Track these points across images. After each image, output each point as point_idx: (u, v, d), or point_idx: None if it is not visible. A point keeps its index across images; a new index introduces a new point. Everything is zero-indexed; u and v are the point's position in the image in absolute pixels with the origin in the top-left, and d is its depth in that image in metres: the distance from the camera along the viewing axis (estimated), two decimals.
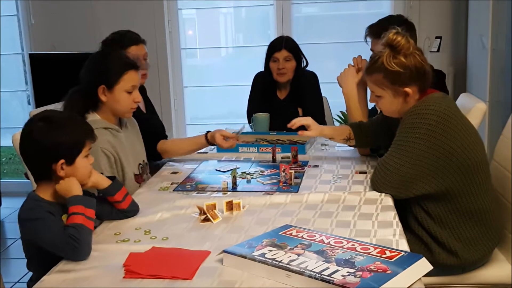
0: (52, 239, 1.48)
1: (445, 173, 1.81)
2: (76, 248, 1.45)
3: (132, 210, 1.78)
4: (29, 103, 4.60)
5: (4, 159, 5.54)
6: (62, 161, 1.57)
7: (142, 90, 2.73)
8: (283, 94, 3.08)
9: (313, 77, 3.09)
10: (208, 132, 2.36)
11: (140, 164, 2.21)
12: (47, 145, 1.56)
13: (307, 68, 3.10)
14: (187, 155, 2.49)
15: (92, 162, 1.67)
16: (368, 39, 2.57)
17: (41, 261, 1.55)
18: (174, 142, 2.57)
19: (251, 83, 3.22)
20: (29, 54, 4.26)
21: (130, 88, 2.05)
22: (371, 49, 2.48)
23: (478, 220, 1.87)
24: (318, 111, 3.05)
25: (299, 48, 3.03)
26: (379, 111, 2.43)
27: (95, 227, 1.62)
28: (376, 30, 2.43)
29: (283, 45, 2.96)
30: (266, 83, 3.07)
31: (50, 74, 4.07)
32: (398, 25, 2.33)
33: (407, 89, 1.87)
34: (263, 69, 3.13)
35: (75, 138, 1.60)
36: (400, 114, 1.95)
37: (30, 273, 1.75)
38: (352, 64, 2.41)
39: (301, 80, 3.02)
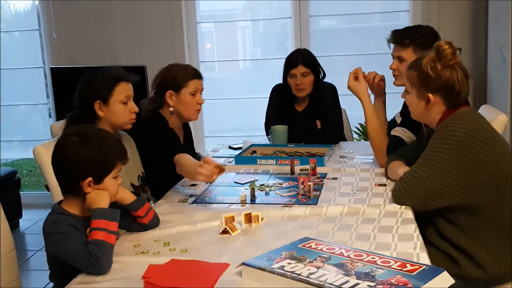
0: (73, 254, 1.49)
1: (475, 185, 1.80)
2: (96, 266, 1.46)
3: (153, 224, 1.79)
4: (50, 116, 4.67)
5: (25, 171, 5.62)
6: (89, 179, 1.58)
7: (185, 124, 2.69)
8: (301, 106, 3.08)
9: (331, 88, 3.08)
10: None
11: (139, 175, 2.25)
12: (76, 161, 1.57)
13: (325, 80, 3.09)
14: None
15: (121, 183, 1.68)
16: (391, 44, 2.56)
17: (63, 273, 1.56)
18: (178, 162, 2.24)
19: (268, 96, 3.22)
20: (50, 68, 4.34)
21: (125, 98, 2.09)
22: (392, 54, 2.47)
23: (510, 234, 1.85)
24: (336, 123, 3.04)
25: (316, 61, 3.01)
26: (398, 122, 2.43)
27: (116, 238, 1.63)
28: (399, 37, 2.42)
29: (299, 61, 2.94)
30: (285, 95, 3.07)
31: (70, 87, 4.12)
32: (424, 35, 2.33)
33: (430, 96, 1.90)
34: (280, 82, 3.14)
35: (105, 158, 1.60)
36: (422, 120, 2.00)
37: (50, 285, 1.76)
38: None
39: (320, 92, 3.02)
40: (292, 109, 3.08)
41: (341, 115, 3.13)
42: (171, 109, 2.45)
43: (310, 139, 2.89)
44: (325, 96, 3.02)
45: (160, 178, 2.36)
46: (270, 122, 3.07)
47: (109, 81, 2.08)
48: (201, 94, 2.51)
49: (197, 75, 2.49)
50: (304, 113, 3.06)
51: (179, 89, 2.44)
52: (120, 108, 2.09)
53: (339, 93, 3.12)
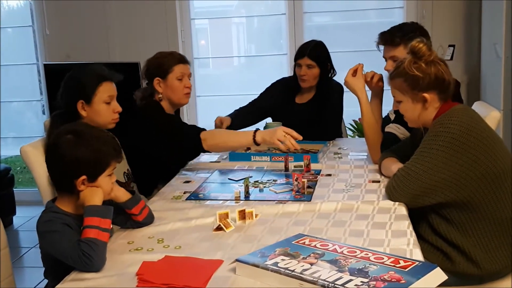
0: (66, 252, 1.49)
1: (469, 181, 1.81)
2: (88, 264, 1.46)
3: (147, 222, 1.78)
4: (43, 113, 4.65)
5: (18, 168, 5.59)
6: (83, 177, 1.57)
7: (176, 114, 2.72)
8: (302, 99, 3.09)
9: (338, 88, 3.08)
10: (257, 130, 2.25)
11: (124, 172, 2.25)
12: (70, 159, 1.56)
13: (336, 79, 3.10)
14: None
15: (115, 181, 1.67)
16: (381, 46, 2.57)
17: (58, 270, 1.56)
18: (217, 136, 2.39)
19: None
20: (44, 64, 4.31)
21: (108, 98, 2.09)
22: (384, 57, 2.48)
23: (503, 230, 1.86)
24: (334, 122, 3.05)
25: (327, 56, 3.03)
26: (392, 119, 2.44)
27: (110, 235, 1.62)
28: (388, 37, 2.44)
29: (306, 52, 2.97)
30: (289, 84, 3.12)
31: None
32: (412, 31, 2.35)
33: (425, 95, 1.90)
34: (276, 78, 3.17)
35: (99, 156, 1.59)
36: (420, 123, 1.98)
37: (44, 282, 1.76)
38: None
39: (327, 90, 3.03)
40: (291, 100, 3.10)
41: (340, 116, 3.14)
42: (160, 95, 2.50)
43: (304, 132, 2.92)
44: (330, 94, 3.03)
45: (155, 171, 2.37)
46: (255, 107, 3.15)
47: (92, 81, 2.08)
48: (189, 78, 2.55)
49: (182, 60, 2.53)
50: (304, 106, 3.07)
51: (166, 75, 2.48)
52: (103, 108, 2.08)
53: None
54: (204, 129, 2.39)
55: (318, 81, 3.01)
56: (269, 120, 3.16)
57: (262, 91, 3.22)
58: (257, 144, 2.25)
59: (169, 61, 2.50)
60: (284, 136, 2.18)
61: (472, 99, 3.74)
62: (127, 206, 1.72)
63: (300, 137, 2.22)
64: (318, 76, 2.99)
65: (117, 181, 2.12)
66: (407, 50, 1.95)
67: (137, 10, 4.28)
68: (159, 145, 2.35)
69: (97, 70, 2.12)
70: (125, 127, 2.33)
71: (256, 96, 3.22)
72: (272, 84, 3.21)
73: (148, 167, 2.38)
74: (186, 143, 2.35)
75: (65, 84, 2.12)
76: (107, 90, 2.09)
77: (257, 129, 2.27)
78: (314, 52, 2.97)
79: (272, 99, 3.14)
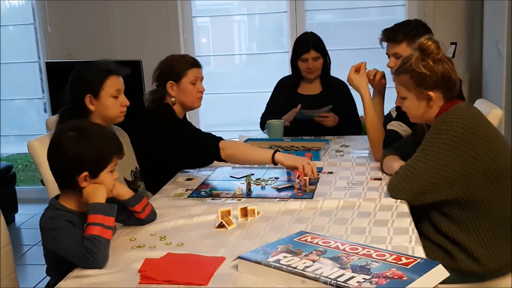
0: (69, 249, 1.49)
1: (471, 179, 1.81)
2: (91, 261, 1.46)
3: (150, 219, 1.79)
4: (45, 111, 4.66)
5: (20, 166, 5.61)
6: (85, 173, 1.57)
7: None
8: (306, 90, 3.13)
9: (343, 85, 3.12)
10: (276, 151, 2.19)
11: (132, 170, 2.24)
12: (72, 155, 1.56)
13: (338, 77, 3.15)
14: None
15: (117, 177, 1.67)
16: (384, 43, 2.57)
17: (61, 268, 1.56)
18: (238, 147, 2.32)
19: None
20: (46, 62, 4.32)
21: (115, 92, 2.08)
22: (387, 53, 2.48)
23: (505, 227, 1.86)
24: (352, 112, 3.13)
25: (324, 45, 3.11)
26: (394, 116, 2.44)
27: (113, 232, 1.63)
28: (390, 34, 2.43)
29: (310, 46, 3.02)
30: (290, 84, 3.15)
31: (66, 82, 4.10)
32: (415, 28, 2.35)
33: (431, 93, 1.90)
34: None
35: (101, 152, 1.59)
36: (423, 120, 1.98)
37: (46, 280, 1.76)
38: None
39: (332, 83, 3.09)
40: (295, 93, 3.12)
41: (351, 109, 3.19)
42: (173, 99, 2.47)
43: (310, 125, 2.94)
44: (336, 92, 3.08)
45: (164, 171, 2.37)
46: (268, 111, 3.16)
47: (99, 75, 2.07)
48: (201, 82, 2.54)
49: (196, 64, 2.52)
50: (310, 99, 3.09)
51: (179, 79, 2.46)
52: (110, 102, 2.08)
53: None
54: (222, 138, 2.34)
55: (322, 73, 3.08)
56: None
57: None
58: (275, 163, 2.19)
59: (183, 65, 2.47)
60: (308, 162, 2.11)
61: (474, 97, 3.73)
62: (130, 204, 1.72)
63: (317, 177, 2.16)
64: (322, 66, 3.06)
65: (124, 179, 2.14)
66: (415, 46, 1.94)
67: (138, 8, 4.28)
68: (172, 149, 2.32)
69: (104, 64, 2.12)
70: (134, 126, 2.32)
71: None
72: (274, 88, 3.23)
73: (158, 167, 2.37)
74: (203, 149, 2.31)
75: (72, 79, 2.11)
76: (114, 84, 2.08)
77: (277, 150, 2.22)
78: (316, 44, 3.04)
79: (278, 101, 3.16)
